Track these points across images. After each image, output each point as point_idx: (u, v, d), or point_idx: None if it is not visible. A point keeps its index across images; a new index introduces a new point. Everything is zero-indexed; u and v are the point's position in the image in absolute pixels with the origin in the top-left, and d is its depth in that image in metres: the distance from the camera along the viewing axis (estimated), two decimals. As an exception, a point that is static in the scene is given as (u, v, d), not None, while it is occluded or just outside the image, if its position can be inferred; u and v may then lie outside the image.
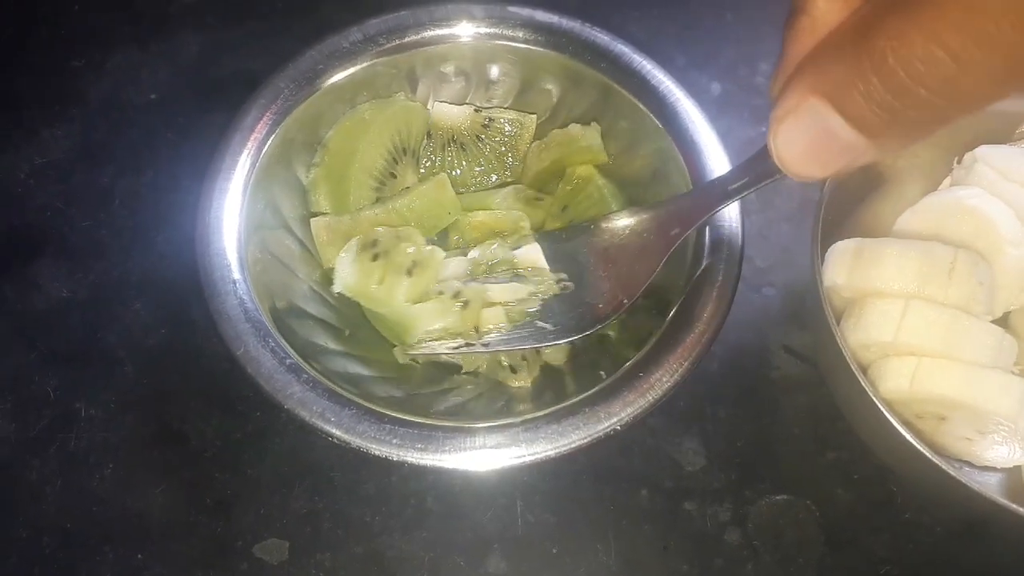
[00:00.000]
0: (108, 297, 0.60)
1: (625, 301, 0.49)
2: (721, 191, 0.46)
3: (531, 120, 0.59)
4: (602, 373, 0.49)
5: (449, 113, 0.58)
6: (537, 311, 0.51)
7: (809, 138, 0.30)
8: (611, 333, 0.53)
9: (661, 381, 0.46)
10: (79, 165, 0.65)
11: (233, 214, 0.50)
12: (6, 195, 0.63)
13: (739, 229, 0.51)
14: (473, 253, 0.52)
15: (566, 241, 0.52)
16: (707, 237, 0.50)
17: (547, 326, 0.51)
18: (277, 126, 0.53)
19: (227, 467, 0.54)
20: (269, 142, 0.53)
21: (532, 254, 0.52)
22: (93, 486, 0.53)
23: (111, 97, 0.68)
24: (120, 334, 0.58)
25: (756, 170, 0.43)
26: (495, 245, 0.52)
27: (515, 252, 0.52)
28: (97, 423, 0.55)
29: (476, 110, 0.59)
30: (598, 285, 0.50)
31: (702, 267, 0.49)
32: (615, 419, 0.45)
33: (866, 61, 0.26)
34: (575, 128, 0.57)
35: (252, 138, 0.53)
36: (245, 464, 0.54)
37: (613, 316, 0.49)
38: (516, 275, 0.52)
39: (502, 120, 0.58)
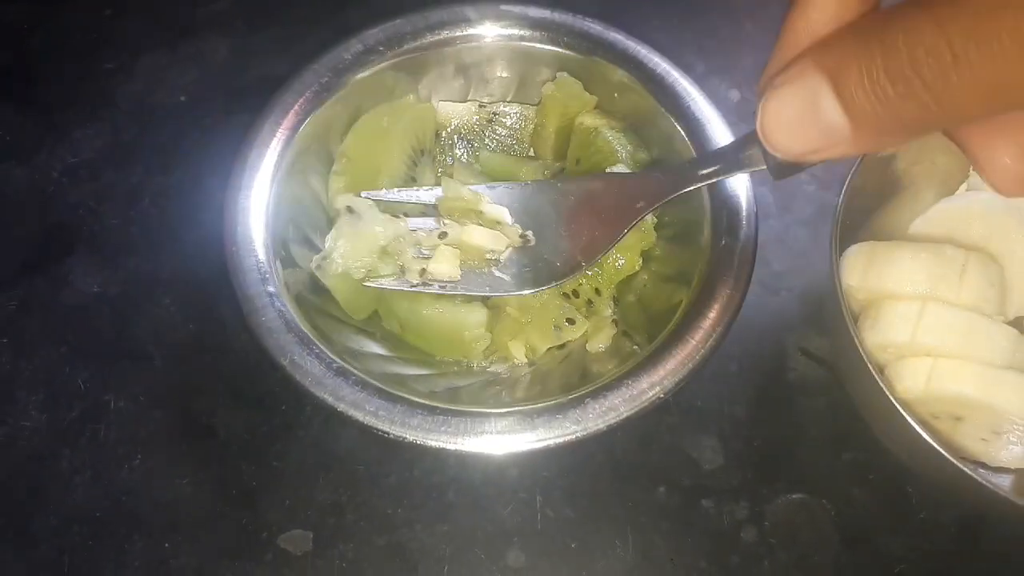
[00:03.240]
0: (138, 293, 0.61)
1: (583, 264, 0.50)
2: (692, 174, 0.47)
3: (534, 111, 0.60)
4: (636, 348, 0.51)
5: (454, 111, 0.60)
6: (496, 260, 0.52)
7: (796, 108, 0.31)
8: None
9: (698, 348, 0.47)
10: (110, 165, 0.66)
11: (259, 229, 0.51)
12: (39, 194, 0.65)
13: (753, 202, 0.52)
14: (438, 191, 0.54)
15: (534, 196, 0.53)
16: (724, 218, 0.52)
17: (504, 276, 0.51)
18: (289, 143, 0.54)
19: (253, 459, 0.55)
20: (282, 161, 0.54)
21: (498, 211, 0.53)
22: (122, 477, 0.55)
23: (141, 99, 0.70)
24: (149, 329, 0.59)
25: (729, 160, 0.44)
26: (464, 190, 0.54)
27: (483, 208, 0.54)
28: (126, 415, 0.56)
29: (480, 105, 0.60)
30: (559, 243, 0.51)
31: (721, 243, 0.51)
32: (658, 388, 0.46)
33: (877, 43, 0.27)
34: (548, 87, 0.58)
35: (267, 156, 0.54)
36: (271, 456, 0.55)
37: (569, 276, 0.50)
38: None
39: (506, 113, 0.60)
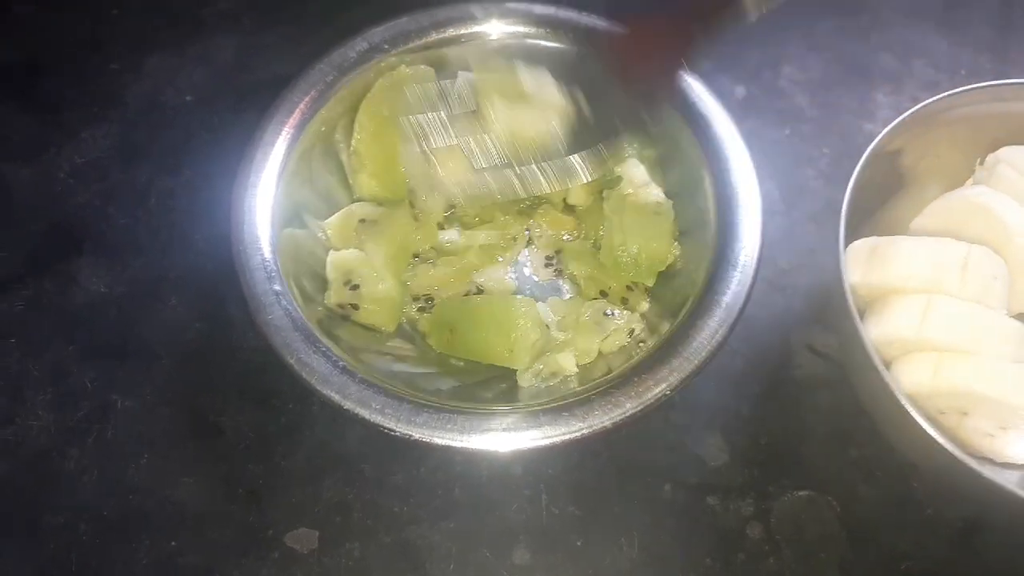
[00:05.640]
0: (145, 293, 0.61)
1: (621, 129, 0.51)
2: None
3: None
4: (642, 343, 0.51)
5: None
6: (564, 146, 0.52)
7: None
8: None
9: (703, 345, 0.47)
10: (117, 165, 0.67)
11: (266, 228, 0.52)
12: (47, 194, 0.65)
13: (759, 198, 0.52)
14: None
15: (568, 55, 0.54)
16: (730, 214, 0.52)
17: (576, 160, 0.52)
18: (296, 141, 0.55)
19: (260, 458, 0.55)
20: (288, 160, 0.54)
21: (537, 75, 0.53)
22: (129, 475, 0.55)
23: (149, 99, 0.70)
24: (156, 329, 0.60)
25: None
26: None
27: (520, 75, 0.53)
28: (134, 414, 0.57)
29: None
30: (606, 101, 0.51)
31: (726, 240, 0.51)
32: (664, 385, 0.46)
33: None
34: None
35: (273, 154, 0.54)
36: (278, 456, 0.55)
37: (610, 138, 0.51)
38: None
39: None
